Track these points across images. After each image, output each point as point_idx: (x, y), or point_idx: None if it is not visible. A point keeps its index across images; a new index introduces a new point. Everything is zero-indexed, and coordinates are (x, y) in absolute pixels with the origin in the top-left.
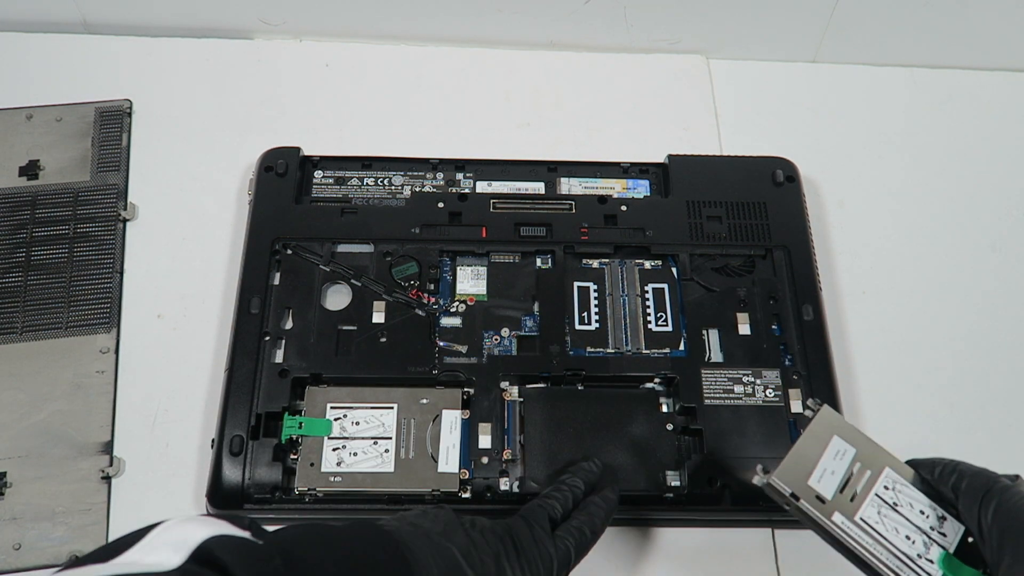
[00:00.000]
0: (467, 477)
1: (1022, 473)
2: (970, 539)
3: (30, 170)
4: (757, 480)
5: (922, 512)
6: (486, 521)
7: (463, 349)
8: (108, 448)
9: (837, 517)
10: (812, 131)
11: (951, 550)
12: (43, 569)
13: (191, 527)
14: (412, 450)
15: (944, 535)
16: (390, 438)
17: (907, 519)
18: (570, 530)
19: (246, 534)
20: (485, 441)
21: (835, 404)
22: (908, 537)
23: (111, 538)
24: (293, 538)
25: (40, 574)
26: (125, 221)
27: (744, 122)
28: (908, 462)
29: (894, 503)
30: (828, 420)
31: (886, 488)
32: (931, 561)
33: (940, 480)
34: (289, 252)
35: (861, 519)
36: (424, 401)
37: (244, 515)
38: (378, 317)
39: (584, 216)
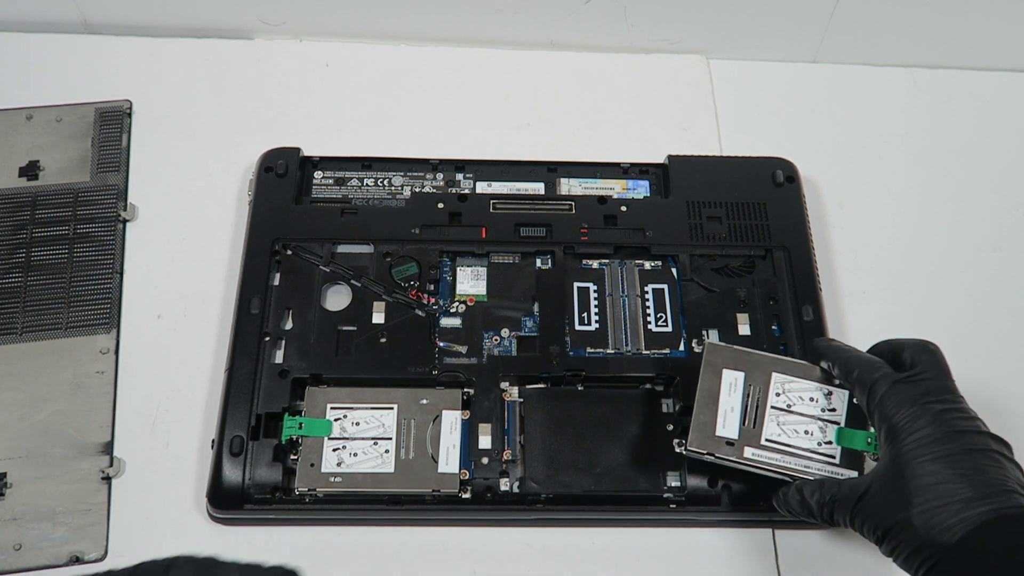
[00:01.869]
0: (467, 477)
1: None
2: (855, 400)
3: (30, 170)
4: (678, 449)
5: (812, 399)
6: None
7: (463, 349)
8: (108, 448)
9: (748, 451)
10: (812, 131)
11: (842, 422)
12: (43, 569)
13: None
14: (412, 450)
15: (834, 410)
16: (390, 438)
17: (801, 414)
18: None
19: None
20: (485, 441)
21: None
22: (807, 431)
23: (111, 538)
24: None
25: (41, 574)
26: (125, 221)
27: (744, 122)
28: (815, 343)
29: (788, 405)
30: (714, 357)
31: (777, 395)
32: (830, 442)
33: (837, 375)
34: (289, 252)
35: (767, 440)
36: (424, 401)
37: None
38: (378, 318)
39: (584, 216)
